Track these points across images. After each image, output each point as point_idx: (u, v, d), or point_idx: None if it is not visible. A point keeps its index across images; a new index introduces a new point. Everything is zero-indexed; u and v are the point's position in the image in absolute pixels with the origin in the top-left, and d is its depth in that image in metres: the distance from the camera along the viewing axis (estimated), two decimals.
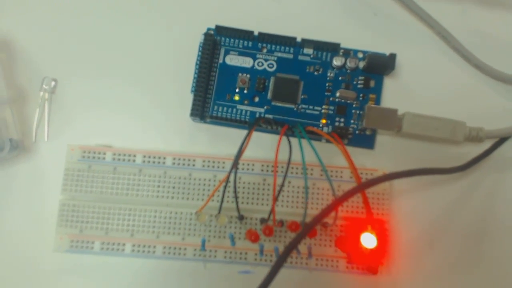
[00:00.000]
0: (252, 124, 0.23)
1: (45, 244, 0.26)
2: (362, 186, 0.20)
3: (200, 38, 0.27)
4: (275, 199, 0.23)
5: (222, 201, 0.23)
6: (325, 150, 0.26)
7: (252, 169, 0.26)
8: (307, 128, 0.25)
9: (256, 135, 0.27)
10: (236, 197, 0.23)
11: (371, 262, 0.23)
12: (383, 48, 0.27)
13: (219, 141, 0.27)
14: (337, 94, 0.27)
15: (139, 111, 0.27)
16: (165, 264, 0.26)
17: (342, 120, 0.27)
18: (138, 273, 0.26)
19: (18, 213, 0.27)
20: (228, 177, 0.22)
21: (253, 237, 0.23)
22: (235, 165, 0.22)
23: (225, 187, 0.23)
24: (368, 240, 0.23)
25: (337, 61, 0.26)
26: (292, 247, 0.19)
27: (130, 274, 0.26)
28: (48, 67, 0.28)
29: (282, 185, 0.24)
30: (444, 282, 0.25)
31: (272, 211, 0.23)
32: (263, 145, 0.27)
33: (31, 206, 0.27)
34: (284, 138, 0.23)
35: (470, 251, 0.26)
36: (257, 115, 0.27)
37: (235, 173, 0.23)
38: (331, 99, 0.27)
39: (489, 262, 0.26)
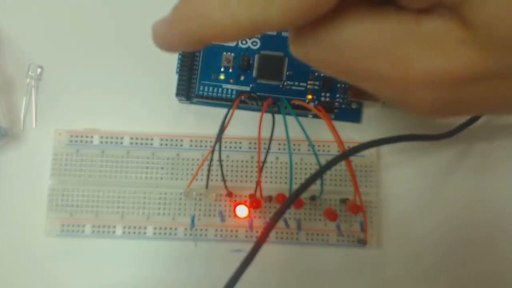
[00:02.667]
0: (235, 98, 0.23)
1: (37, 229, 0.26)
2: (346, 153, 0.20)
3: None
4: (260, 173, 0.23)
5: (208, 176, 0.24)
6: (312, 125, 0.26)
7: (240, 147, 0.26)
8: (292, 101, 0.25)
9: (243, 114, 0.27)
10: (222, 172, 0.23)
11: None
12: None
13: (206, 121, 0.27)
14: None
15: (126, 94, 0.27)
16: (156, 245, 0.26)
17: (327, 95, 0.27)
18: (130, 255, 0.26)
19: (9, 200, 0.27)
20: (213, 150, 0.22)
21: (254, 203, 0.23)
22: (219, 138, 0.22)
23: (210, 161, 0.23)
24: None
25: None
26: (279, 215, 0.19)
27: (121, 255, 0.26)
28: (33, 54, 0.28)
29: (265, 161, 0.24)
30: (435, 252, 0.25)
31: (258, 184, 0.23)
32: (250, 123, 0.27)
33: (21, 193, 0.27)
34: (270, 116, 0.23)
35: (460, 221, 0.26)
36: None
37: (220, 145, 0.23)
38: (316, 74, 0.27)
39: (480, 231, 0.26)
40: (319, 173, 0.20)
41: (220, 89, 0.27)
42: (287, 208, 0.19)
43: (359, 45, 0.13)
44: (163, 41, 0.16)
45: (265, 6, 0.12)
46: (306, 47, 0.14)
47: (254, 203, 0.23)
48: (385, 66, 0.13)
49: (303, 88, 0.27)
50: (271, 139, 0.23)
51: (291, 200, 0.19)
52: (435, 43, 0.12)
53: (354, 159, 0.26)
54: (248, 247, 0.18)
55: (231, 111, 0.22)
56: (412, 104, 0.13)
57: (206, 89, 0.27)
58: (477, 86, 0.12)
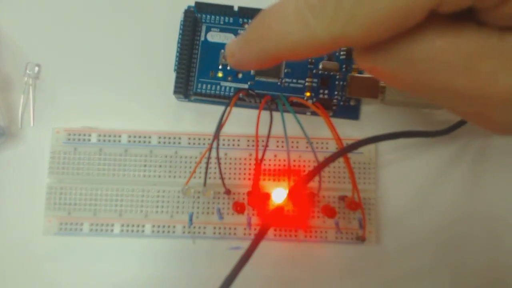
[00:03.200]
0: (232, 95, 0.23)
1: (35, 227, 0.26)
2: (345, 150, 0.20)
3: (180, 16, 0.27)
4: (258, 169, 0.23)
5: (206, 173, 0.23)
6: (310, 123, 0.26)
7: (238, 145, 0.26)
8: (290, 98, 0.25)
9: (241, 111, 0.27)
10: (220, 170, 0.23)
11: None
12: None
13: (204, 119, 0.27)
14: (320, 66, 0.27)
15: (123, 92, 0.27)
16: (154, 243, 0.26)
17: (326, 92, 0.27)
18: (128, 253, 0.26)
19: (7, 198, 0.27)
20: (210, 148, 0.22)
21: (238, 207, 0.23)
22: (216, 136, 0.22)
23: (208, 158, 0.23)
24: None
25: None
26: (277, 211, 0.19)
27: (120, 254, 0.26)
28: (31, 53, 0.28)
29: (263, 158, 0.24)
30: (433, 248, 0.25)
31: (255, 182, 0.23)
32: (249, 121, 0.27)
33: (19, 191, 0.27)
34: (269, 113, 0.23)
35: (458, 217, 0.26)
36: None
37: (217, 143, 0.22)
38: (314, 71, 0.27)
39: (478, 227, 0.26)
40: (318, 169, 0.20)
41: (218, 87, 0.27)
42: (285, 206, 0.19)
43: (436, 59, 0.12)
44: (239, 60, 0.16)
45: (346, 23, 0.12)
46: (376, 58, 0.14)
47: (252, 200, 0.22)
48: (463, 82, 0.12)
49: (301, 86, 0.27)
50: (268, 136, 0.23)
51: (290, 197, 0.19)
52: None
53: (353, 156, 0.26)
54: (246, 244, 0.18)
55: (228, 108, 0.22)
56: (492, 121, 0.13)
57: (204, 86, 0.27)
58: None
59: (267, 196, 0.24)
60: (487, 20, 0.12)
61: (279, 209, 0.18)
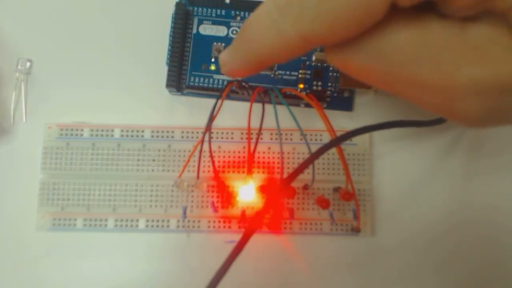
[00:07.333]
0: (224, 87, 0.23)
1: (28, 223, 0.26)
2: (338, 140, 0.20)
3: (172, 9, 0.26)
4: (251, 161, 0.23)
5: (199, 166, 0.23)
6: (304, 114, 0.26)
7: (232, 138, 0.26)
8: (283, 90, 0.24)
9: (234, 104, 0.27)
10: (213, 162, 0.23)
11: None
12: None
13: (197, 112, 0.27)
14: (313, 58, 0.26)
15: (116, 87, 0.27)
16: (149, 237, 0.26)
17: (319, 83, 0.26)
18: (122, 248, 0.26)
19: (0, 195, 0.26)
20: (202, 140, 0.22)
21: (231, 200, 0.23)
22: (208, 128, 0.22)
23: (200, 151, 0.22)
24: None
25: None
26: (269, 202, 0.19)
27: (114, 249, 0.26)
28: (22, 48, 0.28)
29: (254, 150, 0.24)
30: (429, 239, 0.25)
31: (248, 174, 0.23)
32: (242, 114, 0.26)
33: (12, 187, 0.26)
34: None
35: (454, 207, 0.25)
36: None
37: (209, 135, 0.22)
38: (307, 63, 0.26)
39: (474, 217, 0.25)
40: (311, 159, 0.20)
41: (211, 80, 0.27)
42: (277, 198, 0.19)
43: (402, 51, 0.13)
44: (229, 67, 0.17)
45: (311, 21, 0.12)
46: (345, 54, 0.14)
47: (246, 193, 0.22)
48: (429, 73, 0.13)
49: (294, 78, 0.26)
50: (260, 128, 0.23)
51: (281, 189, 0.19)
52: (482, 50, 0.12)
53: (347, 148, 0.26)
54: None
55: (220, 100, 0.22)
56: (457, 112, 0.13)
57: (197, 80, 0.27)
58: None
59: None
60: (447, 12, 0.12)
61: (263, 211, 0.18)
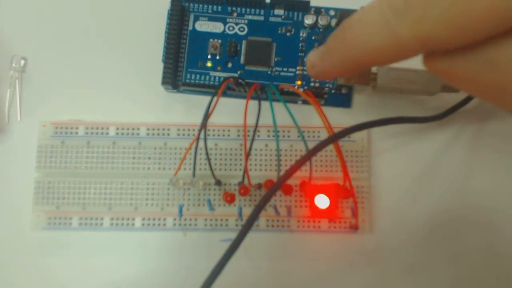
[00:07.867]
0: (220, 83, 0.22)
1: (23, 222, 0.25)
2: (335, 136, 0.20)
3: (167, 6, 0.26)
4: (247, 158, 0.22)
5: (195, 164, 0.23)
6: (301, 111, 0.26)
7: (228, 135, 0.26)
8: (280, 86, 0.24)
9: (231, 101, 0.26)
10: (208, 160, 0.23)
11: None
12: (355, 4, 0.26)
13: (194, 110, 0.27)
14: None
15: (111, 84, 0.27)
16: (145, 236, 0.25)
17: (317, 80, 0.26)
18: (118, 246, 0.25)
19: None
20: (198, 138, 0.22)
21: (228, 197, 0.22)
22: (203, 125, 0.21)
23: (195, 148, 0.22)
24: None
25: (308, 20, 0.26)
26: (266, 198, 0.18)
27: (110, 247, 0.25)
28: (16, 46, 0.27)
29: (250, 148, 0.23)
30: (428, 236, 0.25)
31: (245, 171, 0.22)
32: (238, 111, 0.26)
33: (7, 186, 0.26)
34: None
35: (453, 203, 0.25)
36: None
37: (205, 133, 0.22)
38: (305, 59, 0.26)
39: (473, 213, 0.25)
40: (308, 156, 0.19)
41: (207, 77, 0.26)
42: (273, 194, 0.19)
43: None
44: (319, 68, 0.16)
45: (435, 24, 0.12)
46: (455, 61, 0.13)
47: (242, 190, 0.22)
48: None
49: (292, 74, 0.26)
50: (256, 126, 0.23)
51: (278, 185, 0.19)
52: None
53: (345, 145, 0.25)
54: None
55: (216, 97, 0.22)
56: None
57: (193, 77, 0.26)
58: None
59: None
60: None
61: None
